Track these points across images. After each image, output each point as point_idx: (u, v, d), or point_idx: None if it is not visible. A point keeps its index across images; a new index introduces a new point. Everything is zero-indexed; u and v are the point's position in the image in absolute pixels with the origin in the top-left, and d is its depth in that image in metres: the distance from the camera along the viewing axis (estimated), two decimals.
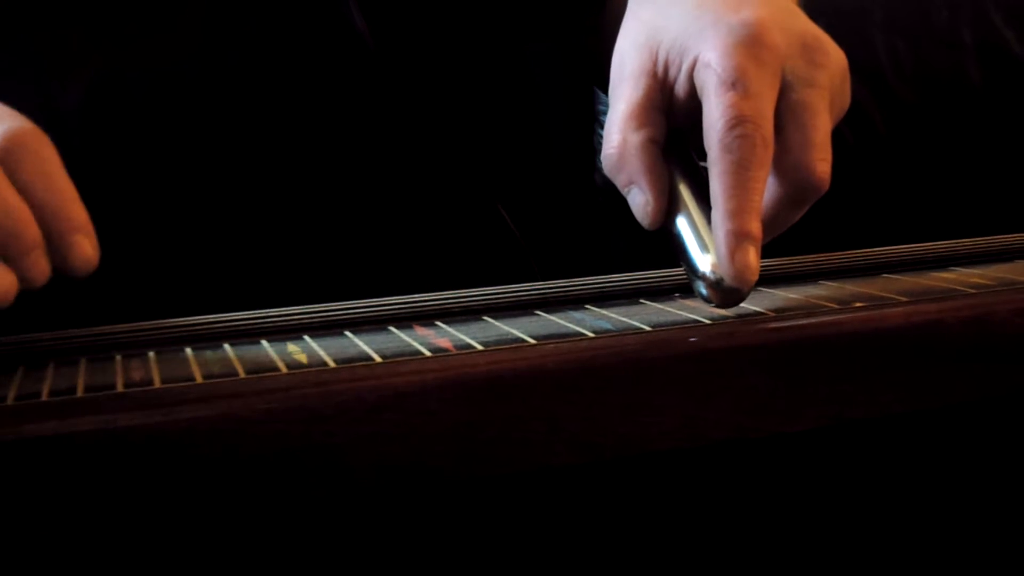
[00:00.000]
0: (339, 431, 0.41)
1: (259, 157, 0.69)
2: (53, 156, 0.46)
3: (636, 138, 0.54)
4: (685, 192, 0.53)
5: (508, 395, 0.43)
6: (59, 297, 0.47)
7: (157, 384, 0.45)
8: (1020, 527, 0.53)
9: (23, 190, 0.45)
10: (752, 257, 0.49)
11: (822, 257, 0.60)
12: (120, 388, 0.45)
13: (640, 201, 0.53)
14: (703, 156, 0.52)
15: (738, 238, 0.49)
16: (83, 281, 0.46)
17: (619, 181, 0.54)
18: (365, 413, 0.42)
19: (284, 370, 0.45)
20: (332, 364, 0.46)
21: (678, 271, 0.58)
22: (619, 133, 0.54)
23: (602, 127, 1.33)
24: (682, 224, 0.52)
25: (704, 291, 0.50)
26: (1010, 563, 0.53)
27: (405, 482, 0.42)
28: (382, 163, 0.72)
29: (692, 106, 0.54)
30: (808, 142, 0.52)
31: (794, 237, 0.58)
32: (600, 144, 1.38)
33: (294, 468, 0.41)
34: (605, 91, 0.93)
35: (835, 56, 0.54)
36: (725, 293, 0.49)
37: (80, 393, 0.44)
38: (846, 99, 0.56)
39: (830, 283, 0.57)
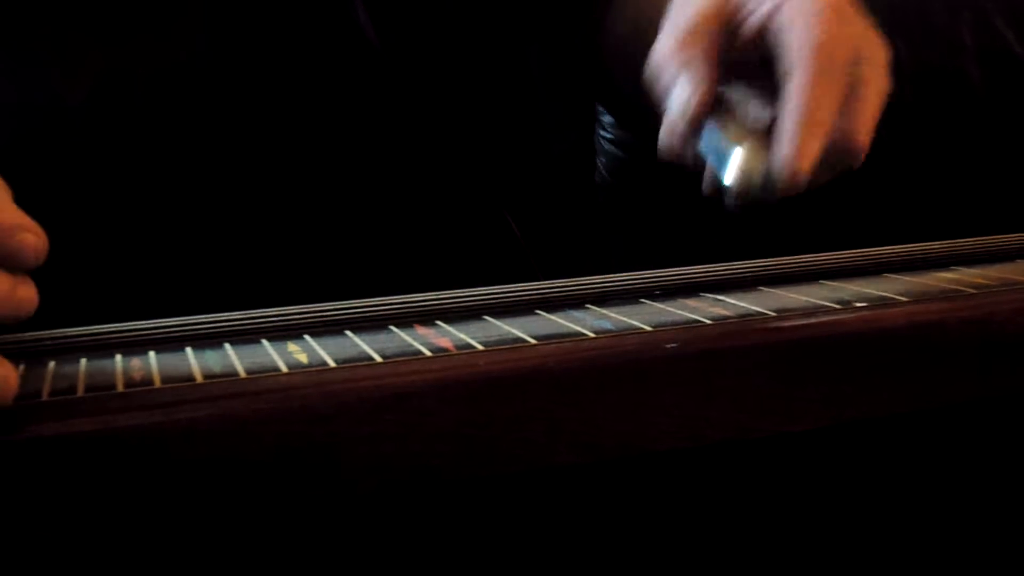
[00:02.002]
0: (339, 431, 0.41)
1: (261, 155, 0.69)
2: None
3: (699, 35, 0.55)
4: (724, 114, 0.54)
5: (508, 395, 0.43)
6: (60, 297, 0.46)
7: (157, 384, 0.45)
8: (1021, 527, 0.53)
9: None
10: (815, 150, 0.50)
11: (823, 257, 0.60)
12: (120, 388, 0.44)
13: (688, 90, 0.54)
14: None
15: (807, 128, 0.50)
16: (86, 281, 0.45)
17: (667, 74, 0.55)
18: (365, 413, 0.42)
19: (285, 370, 0.45)
20: (332, 364, 0.46)
21: (678, 271, 0.58)
22: (682, 31, 0.55)
23: (603, 128, 1.33)
24: (715, 128, 0.53)
25: (739, 185, 0.51)
26: (1011, 563, 0.53)
27: (405, 482, 0.42)
28: (383, 162, 0.72)
29: (750, 52, 0.55)
30: (858, 112, 0.53)
31: (795, 237, 0.58)
32: (601, 144, 1.38)
33: (294, 468, 0.41)
34: (603, 100, 0.93)
35: (886, 54, 0.56)
36: (758, 190, 0.51)
37: (80, 393, 0.44)
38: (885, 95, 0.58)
39: (831, 283, 0.57)
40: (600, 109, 1.27)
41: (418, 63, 0.73)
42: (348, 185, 0.71)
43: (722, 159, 0.52)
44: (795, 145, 0.50)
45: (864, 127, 0.53)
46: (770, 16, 0.55)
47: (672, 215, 1.22)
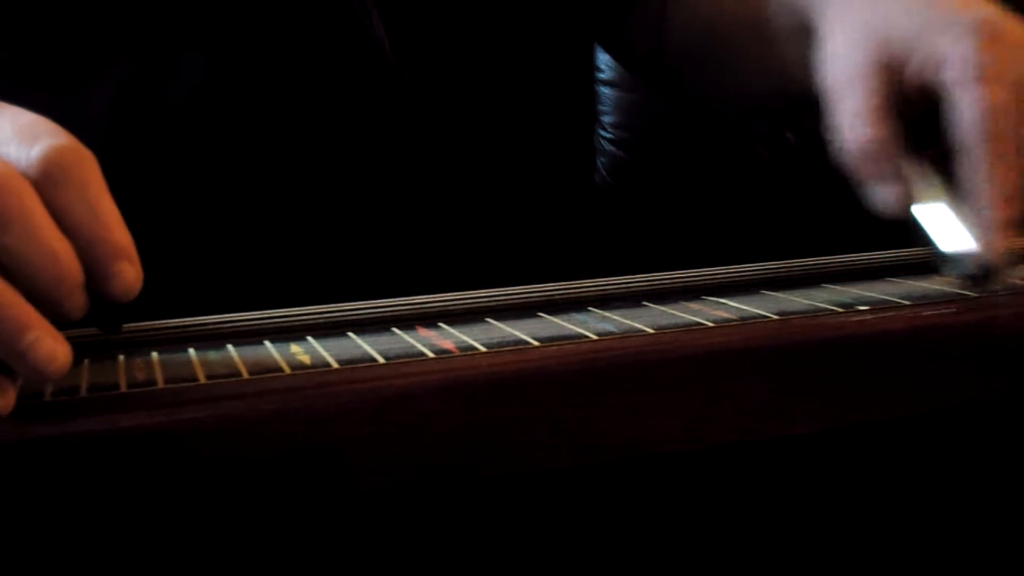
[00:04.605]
0: (342, 432, 0.41)
1: (267, 158, 0.69)
2: (96, 176, 0.42)
3: (886, 132, 0.56)
4: (921, 180, 0.56)
5: (510, 397, 0.43)
6: None
7: (160, 385, 0.45)
8: (1021, 529, 0.53)
9: (63, 218, 0.41)
10: (1008, 242, 0.51)
11: (825, 260, 0.60)
12: (123, 388, 0.45)
13: (891, 193, 0.55)
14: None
15: (995, 225, 0.51)
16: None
17: (866, 172, 0.56)
18: (368, 414, 0.42)
19: (287, 371, 0.45)
20: (335, 365, 0.46)
21: (680, 274, 0.58)
22: (870, 126, 0.56)
23: (604, 128, 1.33)
24: (928, 211, 0.55)
25: (959, 272, 0.52)
26: (1012, 564, 0.53)
27: (407, 483, 0.42)
28: (386, 164, 0.72)
29: (916, 101, 0.56)
30: None
31: (797, 240, 0.58)
32: (601, 145, 1.38)
33: (297, 469, 0.41)
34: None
35: None
36: (980, 276, 0.52)
37: (83, 393, 0.44)
38: None
39: (833, 286, 0.57)
40: (600, 109, 1.27)
41: (428, 71, 0.73)
42: (349, 186, 0.71)
43: (944, 243, 0.53)
44: (988, 248, 0.51)
45: None
46: (924, 70, 0.55)
47: (673, 217, 1.22)
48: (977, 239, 0.51)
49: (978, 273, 0.52)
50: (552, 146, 1.20)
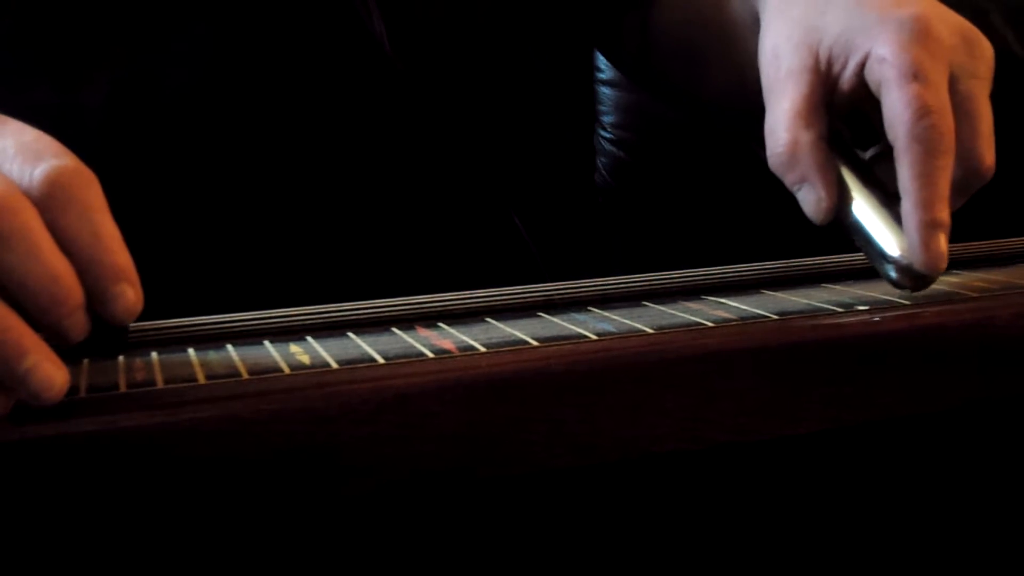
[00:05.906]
0: (341, 432, 0.41)
1: (267, 157, 0.69)
2: (99, 198, 0.42)
3: (807, 136, 0.55)
4: (854, 183, 0.55)
5: (510, 397, 0.43)
6: None
7: (160, 385, 0.45)
8: (1020, 529, 0.53)
9: (64, 239, 0.41)
10: (944, 244, 0.51)
11: (825, 259, 0.60)
12: (123, 388, 0.45)
13: (812, 199, 0.55)
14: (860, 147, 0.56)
15: (931, 227, 0.50)
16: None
17: (789, 179, 0.55)
18: (367, 414, 0.42)
19: (287, 371, 0.45)
20: (335, 365, 0.46)
21: (680, 274, 0.58)
22: (788, 132, 0.55)
23: (604, 128, 1.33)
24: (862, 214, 0.54)
25: (895, 275, 0.52)
26: (1011, 564, 0.53)
27: (406, 483, 0.42)
28: (386, 164, 0.72)
29: (854, 101, 0.56)
30: (976, 132, 0.54)
31: (797, 240, 0.58)
32: (601, 145, 1.38)
33: (296, 469, 0.41)
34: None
35: (990, 47, 0.56)
36: (917, 278, 0.51)
37: (83, 394, 0.44)
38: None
39: (833, 286, 0.57)
40: (600, 109, 1.27)
41: (428, 68, 0.73)
42: (348, 186, 0.71)
43: (877, 246, 0.53)
44: (926, 253, 0.51)
45: (985, 145, 0.54)
46: (859, 69, 0.55)
47: (673, 217, 1.22)
48: (910, 241, 0.51)
49: (911, 275, 0.51)
50: (552, 146, 1.20)
